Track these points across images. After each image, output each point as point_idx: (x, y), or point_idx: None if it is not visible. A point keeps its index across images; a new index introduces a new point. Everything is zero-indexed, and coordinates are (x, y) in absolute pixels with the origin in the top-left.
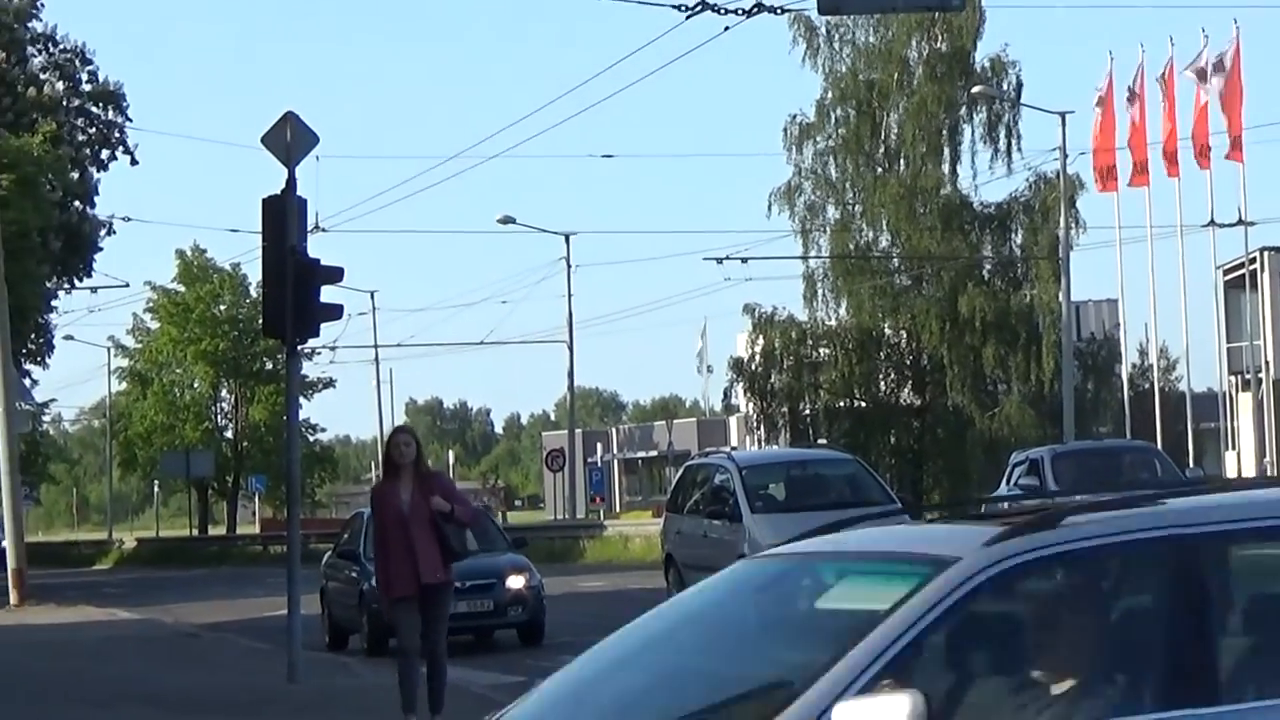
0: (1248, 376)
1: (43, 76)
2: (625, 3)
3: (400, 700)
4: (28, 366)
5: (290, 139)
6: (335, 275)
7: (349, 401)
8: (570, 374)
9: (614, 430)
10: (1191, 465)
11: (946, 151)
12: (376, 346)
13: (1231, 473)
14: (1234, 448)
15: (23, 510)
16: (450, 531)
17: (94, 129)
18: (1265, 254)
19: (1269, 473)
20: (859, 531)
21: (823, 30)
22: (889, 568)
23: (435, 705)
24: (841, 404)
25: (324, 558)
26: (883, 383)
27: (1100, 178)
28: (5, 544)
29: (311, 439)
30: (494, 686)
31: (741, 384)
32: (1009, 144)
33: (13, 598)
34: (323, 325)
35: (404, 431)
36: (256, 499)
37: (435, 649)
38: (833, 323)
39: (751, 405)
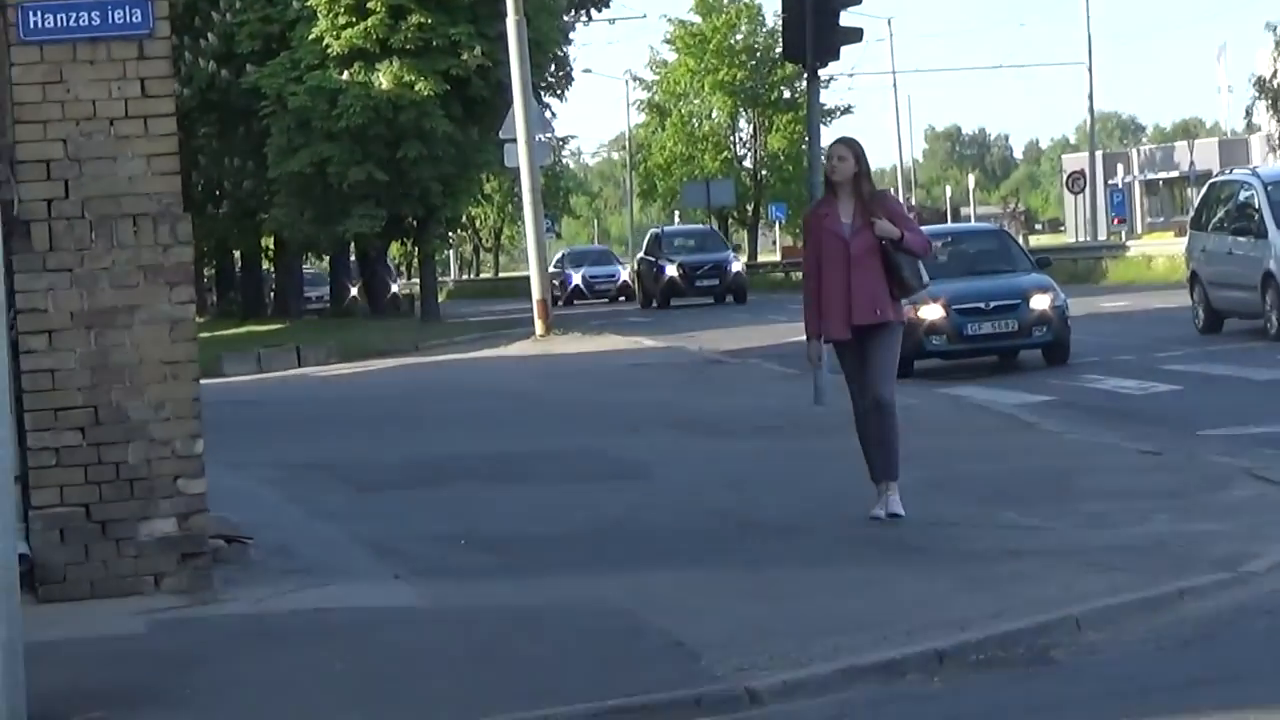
0: None
1: None
2: None
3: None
4: (547, 100)
5: None
6: None
7: (868, 129)
8: (1090, 96)
9: (1134, 152)
10: None
11: None
12: (894, 73)
13: None
14: None
15: (545, 242)
16: (902, 261)
17: None
18: None
19: None
20: None
21: None
22: None
23: (887, 469)
24: None
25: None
26: None
27: None
28: (532, 276)
29: None
30: (1020, 406)
31: (1263, 102)
32: None
33: (538, 328)
34: (842, 49)
35: (840, 143)
36: (776, 227)
37: (880, 402)
38: None
39: (1273, 124)
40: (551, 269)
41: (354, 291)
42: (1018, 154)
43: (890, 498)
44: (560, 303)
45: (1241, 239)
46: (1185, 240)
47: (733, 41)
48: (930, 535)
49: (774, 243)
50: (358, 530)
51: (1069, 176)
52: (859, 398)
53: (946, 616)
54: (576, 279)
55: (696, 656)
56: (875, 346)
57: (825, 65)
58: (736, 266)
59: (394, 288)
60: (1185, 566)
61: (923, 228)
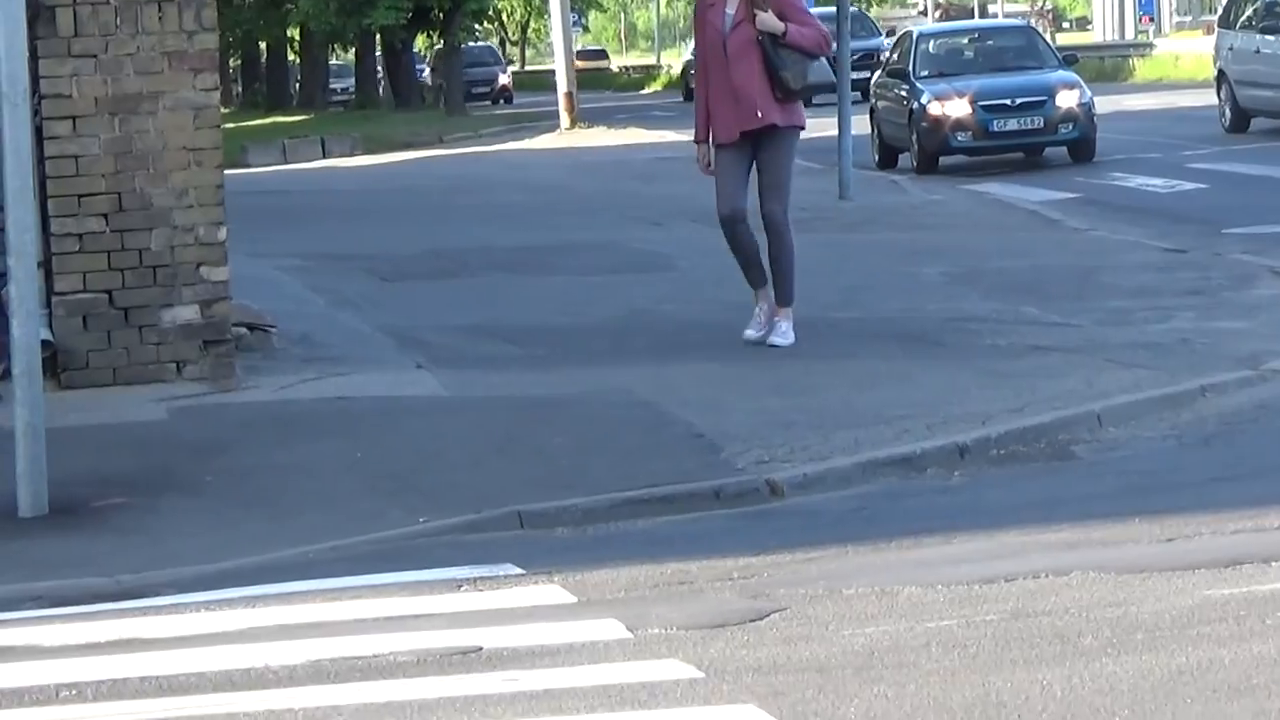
0: None
1: None
2: None
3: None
4: None
5: None
6: None
7: None
8: None
9: None
10: None
11: None
12: None
13: None
14: None
15: (572, 35)
16: (784, 59)
17: None
18: None
19: None
20: None
21: None
22: None
23: (780, 294)
24: None
25: (873, 77)
26: None
27: None
28: (557, 69)
29: None
30: (1045, 203)
31: None
32: None
33: (564, 121)
34: None
35: None
36: None
37: (771, 219)
38: None
39: None
40: (688, 57)
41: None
42: None
43: (780, 325)
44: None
45: (1269, 38)
46: (1213, 39)
47: None
48: (952, 330)
49: None
50: (380, 320)
51: None
52: (729, 204)
53: (967, 411)
54: None
55: (717, 449)
56: (763, 158)
57: None
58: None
59: (503, 78)
60: (1207, 364)
61: (950, 24)
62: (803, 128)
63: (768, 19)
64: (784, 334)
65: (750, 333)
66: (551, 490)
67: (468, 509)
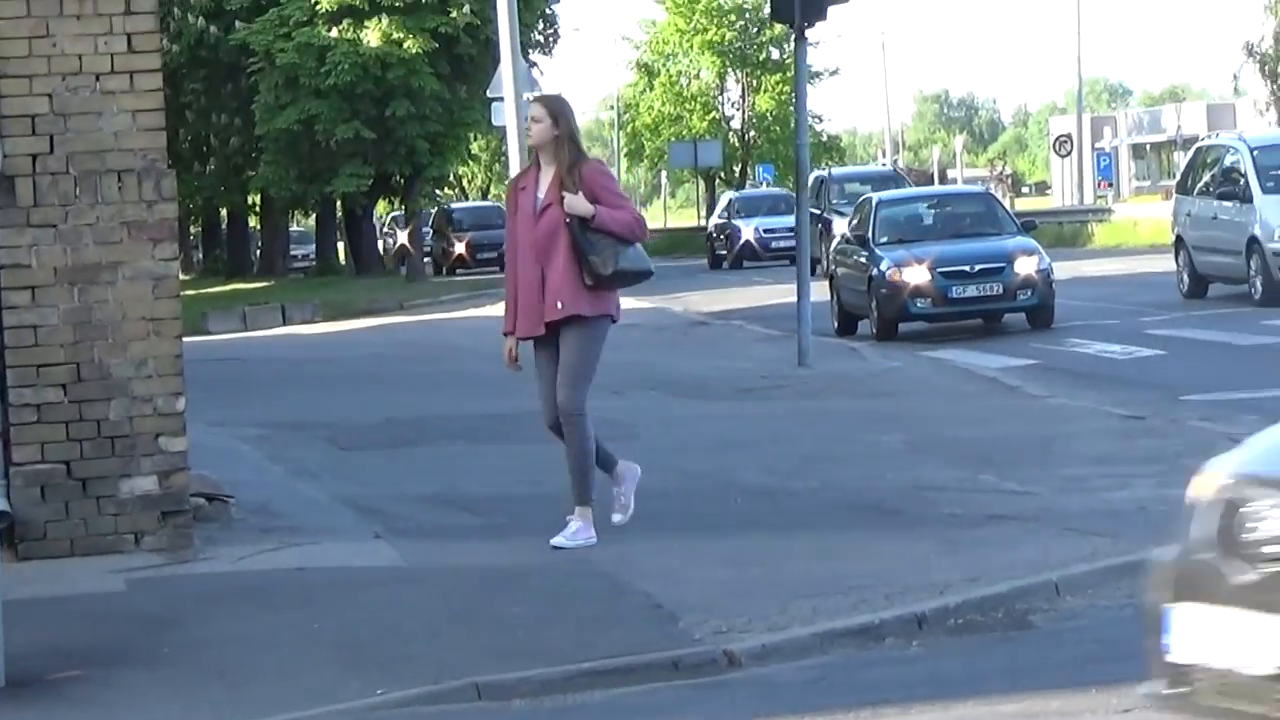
0: None
1: None
2: None
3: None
4: (536, 58)
5: None
6: None
7: (855, 92)
8: (1078, 60)
9: (1121, 115)
10: None
11: None
12: (882, 36)
13: None
14: None
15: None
16: (592, 243)
17: None
18: None
19: None
20: None
21: None
22: None
23: (575, 492)
24: None
25: (832, 244)
26: None
27: None
28: None
29: (818, 128)
30: (1003, 370)
31: (1253, 66)
32: None
33: None
34: (830, 10)
35: (536, 101)
36: (764, 188)
37: (564, 410)
38: None
39: (1264, 88)
40: (716, 220)
41: (459, 249)
42: (1006, 118)
43: (571, 523)
44: (726, 264)
45: (1227, 204)
46: (1171, 204)
47: (722, 1)
48: (910, 499)
49: None
50: (339, 489)
51: (1056, 140)
52: (547, 414)
53: (925, 580)
54: (747, 233)
55: (675, 619)
56: (563, 344)
57: (813, 24)
58: None
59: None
60: (1166, 532)
61: (910, 190)
62: (614, 319)
63: (576, 201)
64: (570, 535)
65: (617, 517)
66: (510, 661)
67: (426, 680)
